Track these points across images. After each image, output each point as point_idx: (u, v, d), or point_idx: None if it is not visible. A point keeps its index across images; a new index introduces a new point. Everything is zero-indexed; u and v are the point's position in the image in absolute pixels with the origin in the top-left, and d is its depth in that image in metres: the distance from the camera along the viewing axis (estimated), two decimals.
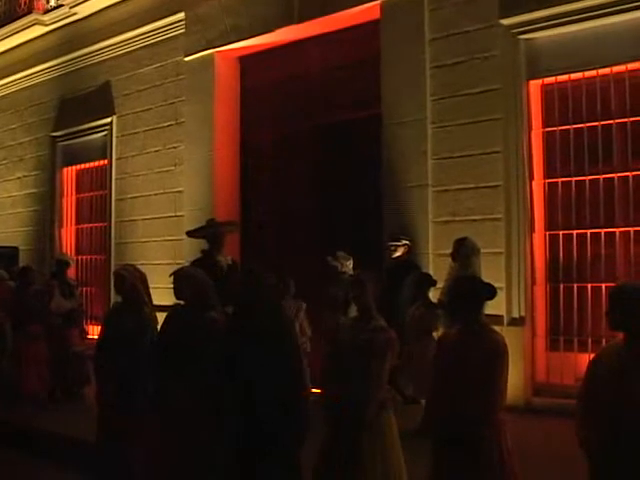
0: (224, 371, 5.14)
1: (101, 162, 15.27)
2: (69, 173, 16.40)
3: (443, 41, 10.03)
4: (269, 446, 4.89)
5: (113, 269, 13.72)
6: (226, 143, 13.03)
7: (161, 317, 6.07)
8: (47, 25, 16.02)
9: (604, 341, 8.25)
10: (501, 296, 9.00)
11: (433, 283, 8.63)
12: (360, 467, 4.87)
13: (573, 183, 9.19)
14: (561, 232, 9.28)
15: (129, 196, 14.34)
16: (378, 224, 10.35)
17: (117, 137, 14.71)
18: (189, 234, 9.80)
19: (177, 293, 5.85)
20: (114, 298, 13.40)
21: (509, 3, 9.36)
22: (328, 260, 9.59)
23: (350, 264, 9.56)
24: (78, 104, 15.64)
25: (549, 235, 9.39)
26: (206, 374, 5.33)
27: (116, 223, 14.58)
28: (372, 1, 10.70)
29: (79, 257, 15.66)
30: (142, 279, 6.55)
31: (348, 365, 4.98)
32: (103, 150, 15.07)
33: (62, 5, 15.38)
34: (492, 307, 7.27)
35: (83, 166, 16.02)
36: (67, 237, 16.18)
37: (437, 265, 9.55)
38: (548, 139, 9.44)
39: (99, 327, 6.91)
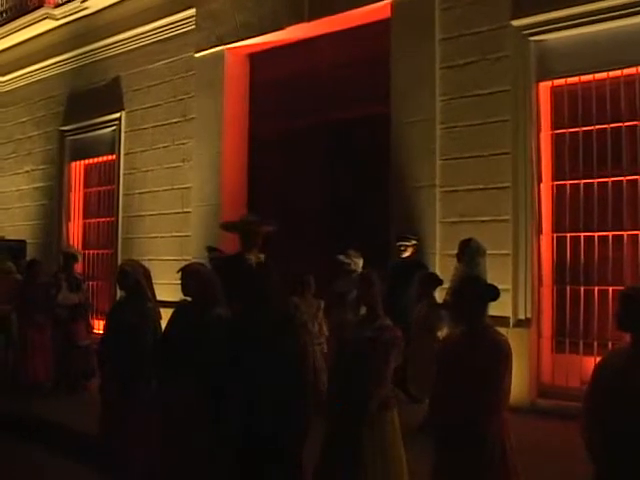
0: (227, 369, 5.14)
1: (109, 157, 15.30)
2: (77, 167, 16.44)
3: (453, 41, 10.02)
4: (270, 445, 4.88)
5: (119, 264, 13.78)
6: (235, 140, 13.04)
7: (167, 313, 6.07)
8: (58, 19, 16.06)
9: (610, 344, 8.26)
10: (507, 297, 9.00)
11: (439, 282, 8.62)
12: (361, 465, 4.88)
13: (581, 185, 9.17)
14: (568, 234, 9.26)
15: (137, 191, 14.37)
16: (386, 223, 10.35)
17: (126, 132, 14.74)
18: (223, 227, 9.65)
19: (184, 289, 5.85)
20: (120, 292, 13.47)
21: (520, 4, 9.34)
22: (340, 258, 9.59)
23: (361, 263, 9.56)
24: (87, 99, 15.67)
25: (556, 237, 9.38)
26: (209, 371, 5.34)
27: (123, 218, 14.61)
28: (382, 0, 10.68)
29: (86, 251, 15.69)
30: (146, 274, 6.55)
31: (352, 363, 5.00)
32: (111, 145, 15.11)
33: None
34: (498, 308, 7.31)
35: (91, 161, 16.06)
36: (74, 231, 16.22)
37: (444, 265, 9.54)
38: (557, 141, 9.43)
39: (104, 321, 6.93)
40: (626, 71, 8.80)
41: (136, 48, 14.65)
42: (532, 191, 9.28)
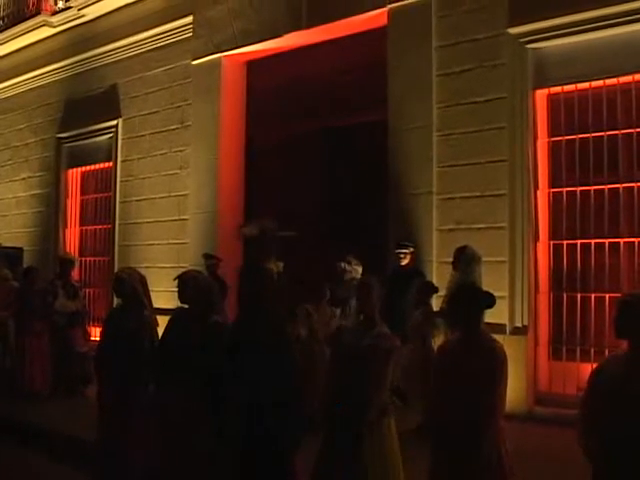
0: (224, 374, 5.16)
1: (106, 164, 15.30)
2: (74, 175, 16.44)
3: (450, 49, 10.04)
4: (266, 448, 4.90)
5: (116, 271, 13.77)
6: (232, 147, 13.05)
7: (164, 320, 6.07)
8: (55, 27, 16.09)
9: (607, 351, 8.25)
10: (504, 305, 9.01)
11: (435, 290, 8.63)
12: (360, 471, 4.89)
13: (578, 193, 9.19)
14: (565, 242, 9.27)
15: (134, 199, 14.36)
16: (383, 230, 10.36)
17: (123, 139, 14.75)
18: (240, 233, 9.47)
19: (181, 296, 5.86)
20: (117, 300, 13.46)
21: (517, 12, 9.36)
22: (341, 265, 9.59)
23: (360, 269, 9.58)
24: (85, 106, 15.68)
25: (553, 244, 9.39)
26: (207, 377, 5.35)
27: (120, 225, 14.61)
28: (380, 8, 10.71)
29: (83, 258, 15.70)
30: (142, 282, 6.58)
31: (350, 369, 5.00)
32: (108, 152, 15.12)
33: (70, 7, 15.44)
34: (495, 316, 7.33)
35: (88, 168, 16.05)
36: (71, 238, 16.22)
37: (441, 272, 9.54)
38: (554, 149, 9.44)
39: (101, 329, 6.94)
40: (622, 79, 8.82)
41: (133, 55, 14.66)
42: (529, 198, 9.29)
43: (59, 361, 10.56)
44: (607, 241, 8.95)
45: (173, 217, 13.55)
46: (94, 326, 13.30)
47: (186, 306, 5.90)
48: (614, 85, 8.92)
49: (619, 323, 4.00)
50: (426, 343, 8.04)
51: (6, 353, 10.94)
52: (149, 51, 14.34)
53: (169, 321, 5.95)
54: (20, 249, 15.69)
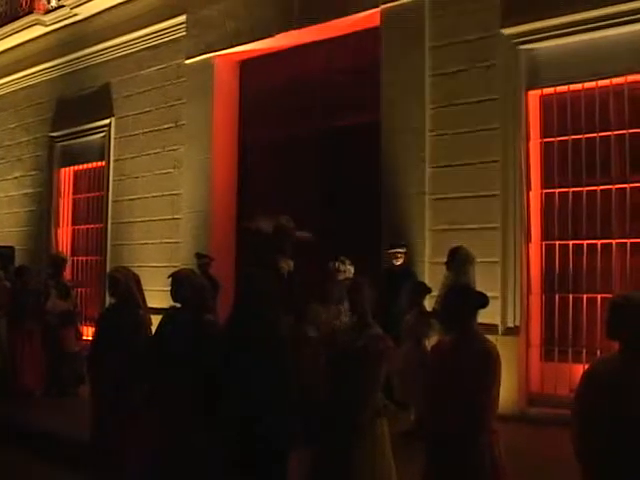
0: (218, 373, 5.17)
1: (99, 163, 15.27)
2: (66, 174, 16.40)
3: (443, 49, 10.04)
4: (263, 447, 4.92)
5: (109, 271, 13.74)
6: (225, 146, 13.04)
7: (157, 319, 6.07)
8: (48, 25, 16.05)
9: (599, 352, 8.28)
10: (496, 305, 9.01)
11: (428, 291, 8.63)
12: (352, 471, 4.88)
13: (570, 194, 9.20)
14: (557, 242, 9.29)
15: (126, 198, 14.34)
16: (376, 230, 10.35)
17: (115, 139, 14.72)
18: (250, 227, 9.29)
19: (174, 295, 5.85)
20: (109, 300, 13.43)
21: (510, 13, 9.38)
22: (335, 265, 9.57)
23: (352, 270, 9.56)
24: (77, 105, 15.65)
25: (545, 245, 9.41)
26: (201, 376, 5.35)
27: (113, 225, 14.58)
28: (372, 8, 10.71)
29: (75, 258, 15.68)
30: (136, 281, 6.57)
31: (343, 370, 5.00)
32: (101, 151, 15.08)
33: (63, 6, 15.40)
34: (487, 316, 7.32)
35: (81, 167, 16.02)
36: (63, 238, 16.19)
37: (433, 273, 9.55)
38: (546, 149, 9.46)
39: (94, 328, 6.92)
40: (615, 80, 8.84)
41: (126, 54, 14.63)
42: (521, 199, 9.30)
43: (51, 361, 10.54)
44: (599, 242, 8.97)
45: (166, 216, 13.53)
46: (86, 326, 13.28)
47: (179, 305, 5.90)
48: (606, 86, 8.94)
49: (611, 324, 4.01)
50: (420, 344, 8.06)
51: None
52: (142, 50, 14.32)
53: (161, 320, 5.95)
54: (12, 248, 15.64)
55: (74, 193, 16.29)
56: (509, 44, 9.42)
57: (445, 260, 8.67)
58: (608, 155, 8.95)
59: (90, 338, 6.80)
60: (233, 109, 13.23)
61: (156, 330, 6.02)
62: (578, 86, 9.11)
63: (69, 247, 16.07)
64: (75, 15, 15.38)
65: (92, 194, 15.60)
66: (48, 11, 15.98)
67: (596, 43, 8.84)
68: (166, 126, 13.71)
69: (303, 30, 11.63)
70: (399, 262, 9.58)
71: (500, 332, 9.07)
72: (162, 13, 13.74)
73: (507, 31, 9.41)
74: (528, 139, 9.44)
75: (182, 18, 13.41)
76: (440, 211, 9.89)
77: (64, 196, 16.36)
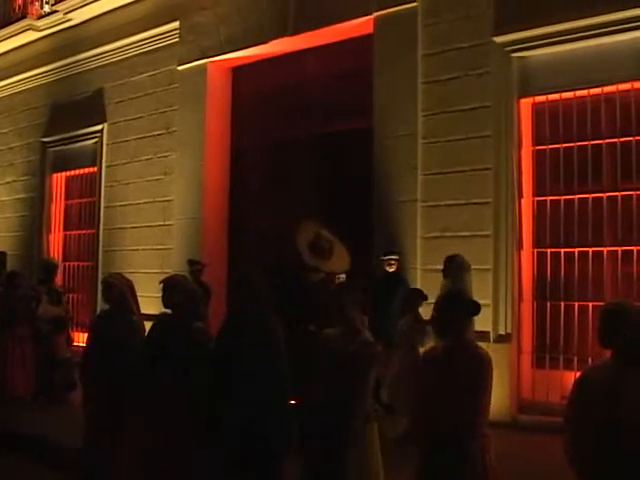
0: (212, 377, 5.21)
1: (91, 169, 15.24)
2: (59, 179, 16.38)
3: (436, 57, 10.07)
4: (260, 449, 4.95)
5: (100, 276, 13.72)
6: (217, 153, 13.04)
7: (149, 325, 6.06)
8: (41, 30, 16.04)
9: (590, 360, 8.29)
10: (488, 313, 9.02)
11: (424, 298, 8.62)
12: (343, 478, 4.88)
13: (562, 202, 9.23)
14: (549, 250, 9.31)
15: (118, 204, 14.32)
16: (368, 237, 10.35)
17: (108, 144, 14.71)
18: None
19: (165, 301, 5.84)
20: (101, 305, 13.39)
21: (503, 21, 9.41)
22: None
23: (343, 276, 9.55)
24: (70, 110, 15.63)
25: (537, 253, 9.42)
26: (191, 382, 5.37)
27: (104, 230, 14.56)
28: (366, 15, 10.74)
29: (66, 263, 15.65)
30: (130, 287, 6.58)
31: (334, 377, 5.00)
32: (93, 157, 15.06)
33: (56, 11, 15.39)
34: (479, 323, 7.35)
35: (73, 172, 16.00)
36: (55, 243, 16.15)
37: (425, 280, 9.56)
38: (538, 157, 9.48)
39: (85, 334, 6.91)
40: (606, 89, 8.88)
41: (119, 60, 14.63)
42: (513, 207, 9.32)
43: (42, 367, 10.50)
44: (590, 250, 8.99)
45: (158, 222, 13.51)
46: (77, 331, 13.25)
47: (169, 311, 5.89)
48: (598, 95, 8.97)
49: (602, 332, 4.02)
50: (414, 350, 8.05)
51: None
52: (135, 56, 14.32)
53: (152, 326, 5.95)
54: (4, 254, 15.59)
55: (66, 198, 16.27)
56: (501, 52, 9.45)
57: (438, 267, 8.67)
58: (600, 163, 8.98)
59: (82, 344, 6.77)
60: (226, 115, 13.23)
61: (146, 337, 6.01)
62: (570, 94, 9.14)
63: (61, 252, 16.03)
64: (68, 20, 15.37)
65: (84, 200, 15.58)
66: (41, 16, 15.97)
67: (588, 51, 8.87)
68: (158, 132, 13.70)
69: (296, 37, 11.65)
70: (392, 269, 9.57)
71: (492, 339, 9.09)
72: (156, 19, 13.75)
73: (499, 39, 9.44)
74: (520, 147, 9.46)
75: (176, 24, 13.42)
76: (432, 218, 9.90)
77: (56, 201, 16.32)
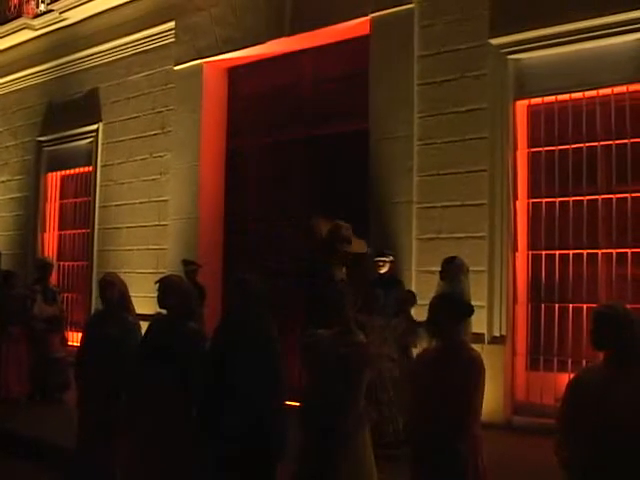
0: (207, 379, 5.22)
1: (86, 169, 15.22)
2: (53, 179, 16.34)
3: (432, 58, 10.07)
4: (259, 449, 4.97)
5: (95, 276, 13.73)
6: (212, 153, 13.03)
7: (143, 326, 6.06)
8: (36, 30, 16.00)
9: (584, 362, 8.30)
10: (482, 314, 9.04)
11: (414, 300, 8.63)
12: (336, 477, 4.88)
13: (557, 204, 9.24)
14: (544, 252, 9.32)
15: (113, 204, 14.31)
16: (363, 238, 10.31)
17: (103, 144, 14.69)
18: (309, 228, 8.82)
19: (161, 301, 5.84)
20: (95, 305, 13.39)
21: (499, 23, 9.42)
22: None
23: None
24: (65, 110, 15.61)
25: (532, 254, 9.43)
26: (187, 383, 5.37)
27: (99, 230, 14.54)
28: (362, 17, 10.74)
29: (61, 263, 15.60)
30: (125, 287, 6.60)
31: (327, 379, 5.00)
32: (88, 157, 15.03)
33: (52, 10, 15.37)
34: (473, 325, 7.35)
35: (68, 172, 15.97)
36: (49, 242, 16.12)
37: (420, 282, 9.57)
38: (533, 159, 9.50)
39: (79, 334, 6.90)
40: (602, 91, 8.89)
41: (115, 60, 14.61)
42: (508, 208, 9.33)
43: (37, 366, 10.49)
44: (585, 252, 9.00)
45: (153, 222, 13.50)
46: (72, 331, 13.23)
47: (164, 312, 5.89)
48: (593, 97, 8.98)
49: (596, 334, 4.03)
50: (407, 353, 8.06)
51: None
52: (131, 56, 14.30)
53: (148, 327, 5.94)
54: None
55: (61, 198, 16.23)
56: (497, 54, 9.46)
57: (433, 269, 8.68)
58: (595, 165, 8.99)
59: (76, 344, 6.77)
60: (221, 116, 13.22)
61: (142, 337, 6.01)
62: (565, 96, 9.16)
63: (55, 252, 16.00)
64: (64, 20, 15.34)
65: (79, 199, 15.55)
66: (37, 15, 15.95)
67: (583, 54, 8.89)
68: (154, 132, 13.69)
69: (293, 38, 11.64)
70: (383, 270, 9.55)
71: (486, 341, 9.10)
72: (151, 19, 13.74)
73: (495, 41, 9.45)
74: (515, 149, 9.47)
75: (171, 24, 13.40)
76: (427, 220, 9.90)
77: (51, 201, 16.29)
